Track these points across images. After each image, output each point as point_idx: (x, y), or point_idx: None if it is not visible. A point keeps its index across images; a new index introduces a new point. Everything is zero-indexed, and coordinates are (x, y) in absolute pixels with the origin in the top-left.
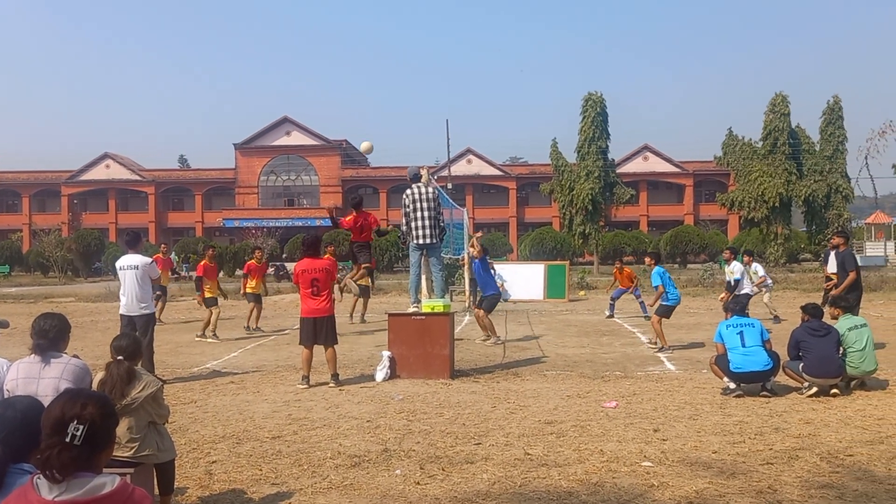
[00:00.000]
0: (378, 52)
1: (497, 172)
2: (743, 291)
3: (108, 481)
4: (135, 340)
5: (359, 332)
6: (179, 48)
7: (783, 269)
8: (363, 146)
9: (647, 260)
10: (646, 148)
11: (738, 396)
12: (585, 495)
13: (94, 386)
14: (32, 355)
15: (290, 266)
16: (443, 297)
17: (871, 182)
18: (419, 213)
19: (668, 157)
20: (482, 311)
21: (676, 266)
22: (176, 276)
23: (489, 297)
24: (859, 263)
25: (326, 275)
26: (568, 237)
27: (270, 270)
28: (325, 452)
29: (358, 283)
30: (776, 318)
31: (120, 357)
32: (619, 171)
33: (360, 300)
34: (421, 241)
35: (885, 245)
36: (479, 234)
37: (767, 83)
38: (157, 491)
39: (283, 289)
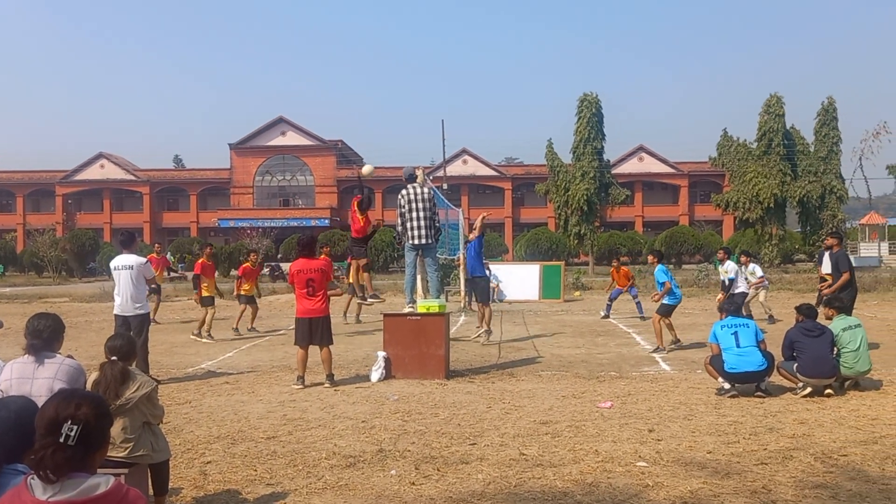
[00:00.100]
0: (374, 52)
1: (492, 173)
2: (738, 291)
3: (103, 482)
4: (129, 341)
5: (354, 332)
6: (175, 48)
7: (778, 269)
8: (364, 169)
9: (650, 258)
10: (641, 149)
11: (732, 397)
12: (580, 495)
13: (89, 386)
14: (26, 355)
15: (286, 266)
16: (438, 297)
17: (865, 183)
18: (414, 214)
19: (664, 157)
20: (485, 305)
21: (671, 267)
22: (175, 275)
23: (480, 283)
24: (853, 264)
25: (322, 275)
26: (563, 238)
27: (266, 271)
28: (321, 453)
29: (352, 282)
30: (771, 318)
31: (114, 357)
32: (614, 171)
33: (355, 300)
34: (416, 242)
35: (880, 246)
36: (487, 214)
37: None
38: (151, 491)
39: (278, 289)
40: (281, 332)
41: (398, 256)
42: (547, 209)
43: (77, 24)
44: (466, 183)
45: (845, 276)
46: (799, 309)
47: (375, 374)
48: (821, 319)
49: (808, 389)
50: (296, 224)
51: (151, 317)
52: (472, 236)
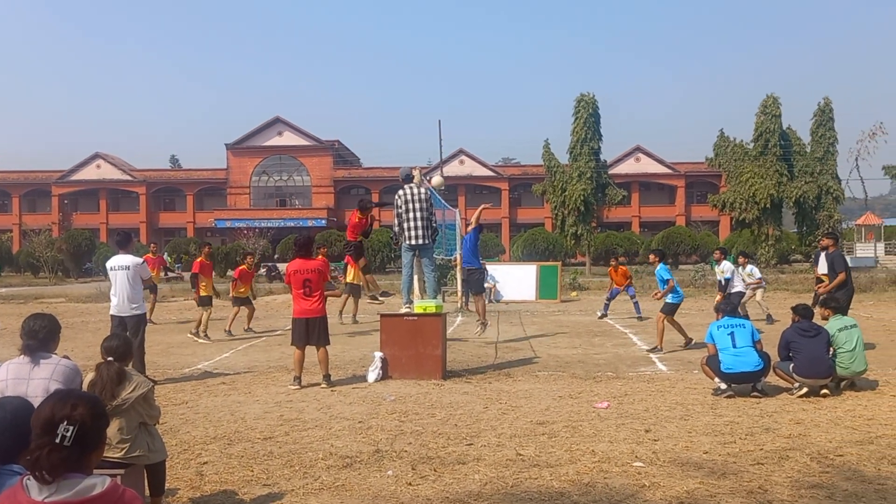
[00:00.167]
0: (371, 52)
1: (489, 173)
2: (734, 290)
3: (99, 482)
4: (125, 341)
5: (351, 332)
6: (172, 48)
7: (774, 269)
8: (434, 181)
9: (651, 257)
10: (638, 149)
11: (728, 397)
12: (577, 496)
13: (85, 387)
14: (22, 356)
15: (282, 267)
16: (435, 297)
17: (861, 183)
18: (411, 214)
19: (660, 158)
20: (479, 297)
21: (669, 266)
22: (172, 276)
23: (474, 275)
24: (849, 265)
25: (318, 275)
26: (560, 238)
27: (262, 271)
28: (317, 453)
29: (349, 282)
30: (770, 318)
31: (110, 358)
32: (610, 172)
33: (351, 300)
34: (413, 242)
35: (875, 246)
36: (487, 205)
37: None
38: (147, 492)
39: (274, 289)
40: (278, 332)
41: (395, 257)
42: (544, 209)
43: (74, 24)
44: (463, 183)
45: (841, 277)
46: (795, 309)
47: (372, 375)
48: (817, 320)
49: (805, 390)
50: (292, 224)
51: (147, 317)
52: (469, 228)
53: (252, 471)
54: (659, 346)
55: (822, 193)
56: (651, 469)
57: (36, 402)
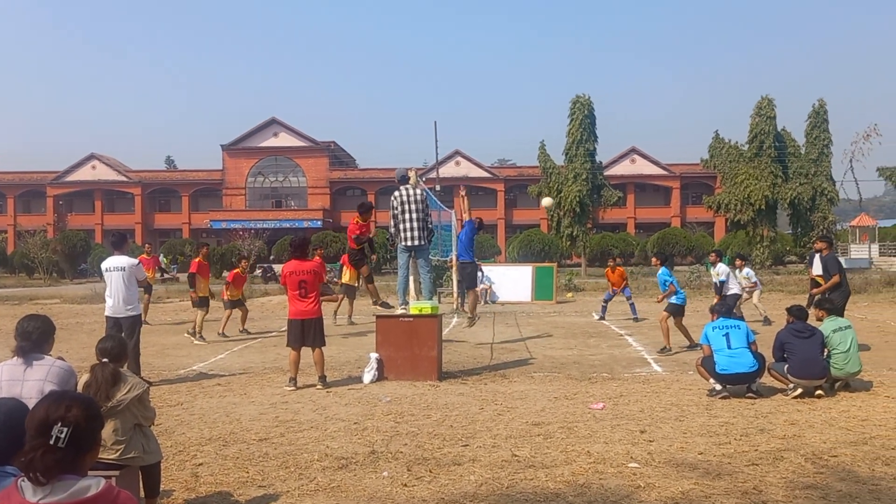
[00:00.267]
0: (366, 53)
1: (485, 174)
2: (731, 293)
3: (93, 484)
4: (120, 342)
5: (346, 333)
6: (167, 49)
7: (769, 271)
8: (545, 202)
9: (654, 260)
10: (633, 150)
11: (723, 398)
12: (572, 496)
13: (80, 388)
14: (15, 357)
15: (278, 268)
16: (431, 298)
17: (855, 185)
18: (407, 216)
19: (655, 159)
20: (471, 293)
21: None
22: (167, 277)
23: (466, 268)
24: (844, 266)
25: (314, 276)
26: (556, 239)
27: (258, 272)
28: (313, 454)
29: (345, 283)
30: (766, 320)
31: (105, 359)
32: (606, 173)
33: (347, 301)
34: (409, 243)
35: (870, 248)
36: (462, 192)
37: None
38: (142, 493)
39: (270, 290)
40: (273, 333)
41: (391, 258)
42: (540, 211)
43: (69, 24)
44: (459, 184)
45: (835, 279)
46: (789, 310)
47: (368, 376)
48: (812, 321)
49: (799, 391)
50: (288, 225)
51: (142, 318)
52: (464, 217)
53: (247, 472)
54: (668, 346)
55: (816, 195)
56: (646, 470)
57: (31, 404)
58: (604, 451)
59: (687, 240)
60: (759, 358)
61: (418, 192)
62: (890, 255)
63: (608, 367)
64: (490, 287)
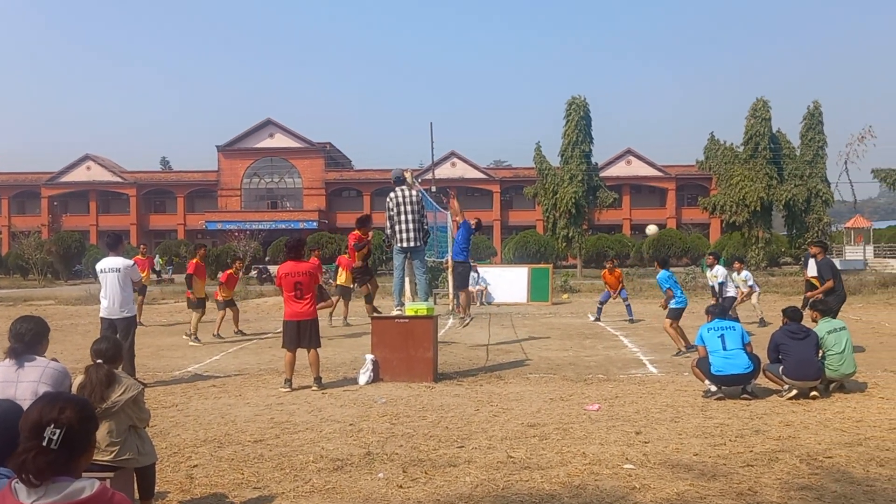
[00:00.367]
0: (363, 54)
1: (481, 176)
2: (728, 295)
3: (88, 485)
4: (115, 343)
5: (342, 335)
6: (162, 49)
7: (764, 272)
8: (650, 229)
9: (657, 264)
10: (629, 152)
11: (719, 399)
12: (568, 498)
13: (74, 389)
14: (7, 359)
15: (273, 269)
16: (426, 300)
17: (850, 186)
18: (403, 217)
19: (651, 161)
20: (463, 293)
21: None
22: (159, 278)
23: (457, 268)
24: (839, 268)
25: (310, 278)
26: (551, 240)
27: (253, 273)
28: (308, 456)
29: (340, 284)
30: (762, 322)
31: (99, 360)
32: (602, 174)
33: (342, 302)
34: (405, 245)
35: (864, 249)
36: (452, 193)
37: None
38: (137, 495)
39: (265, 292)
40: (268, 335)
41: (386, 259)
42: (535, 212)
43: (65, 24)
44: (455, 185)
45: (828, 285)
46: (784, 312)
47: (363, 377)
48: (806, 322)
49: (794, 392)
50: (284, 226)
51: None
52: (458, 220)
53: (242, 474)
54: (680, 349)
55: (811, 196)
56: (641, 471)
57: (25, 405)
58: (599, 453)
59: (682, 241)
60: (754, 359)
61: (414, 193)
62: (885, 257)
63: (604, 369)
64: (486, 288)
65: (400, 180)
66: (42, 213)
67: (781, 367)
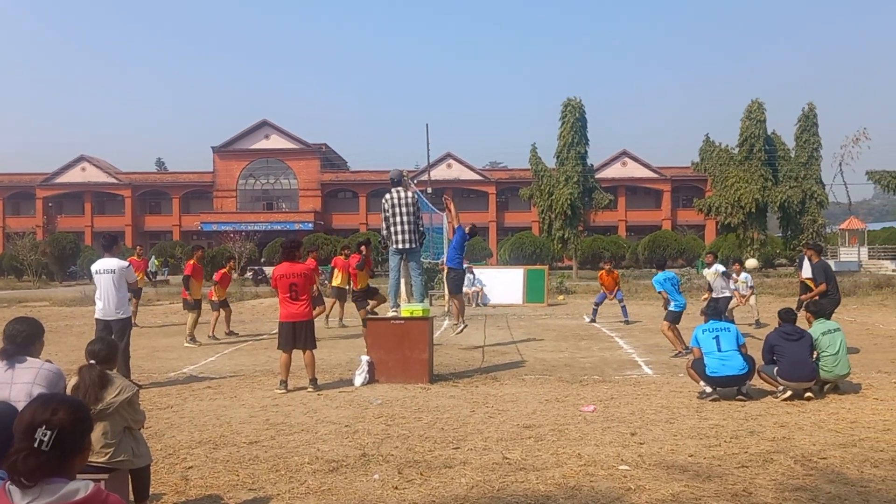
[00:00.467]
0: (359, 55)
1: (477, 177)
2: (723, 295)
3: (82, 487)
4: (109, 345)
5: (337, 336)
6: (158, 50)
7: (759, 273)
8: (749, 263)
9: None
10: (624, 153)
11: (714, 400)
12: (563, 499)
13: (68, 391)
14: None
15: (269, 270)
16: (422, 301)
17: (844, 188)
18: (398, 218)
19: (647, 162)
20: (455, 298)
21: (655, 271)
22: (153, 280)
23: (450, 274)
24: (833, 270)
25: (305, 279)
26: (547, 242)
27: (249, 274)
28: (303, 457)
29: (335, 286)
30: (758, 323)
31: (92, 361)
32: (597, 176)
33: (338, 304)
34: (400, 246)
35: (859, 251)
36: (447, 197)
37: (744, 90)
38: (132, 497)
39: (261, 293)
40: (264, 336)
41: (382, 260)
42: (531, 213)
43: (60, 25)
44: (451, 187)
45: (820, 288)
46: (779, 313)
47: (359, 379)
48: (801, 323)
49: (789, 393)
50: (279, 228)
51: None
52: (455, 223)
53: (238, 475)
54: (679, 351)
55: (806, 198)
56: (637, 472)
57: (20, 407)
58: (594, 454)
59: (678, 242)
60: (749, 360)
61: (409, 194)
62: (879, 259)
63: (599, 370)
64: (482, 290)
65: (399, 181)
66: (37, 214)
67: (776, 369)
